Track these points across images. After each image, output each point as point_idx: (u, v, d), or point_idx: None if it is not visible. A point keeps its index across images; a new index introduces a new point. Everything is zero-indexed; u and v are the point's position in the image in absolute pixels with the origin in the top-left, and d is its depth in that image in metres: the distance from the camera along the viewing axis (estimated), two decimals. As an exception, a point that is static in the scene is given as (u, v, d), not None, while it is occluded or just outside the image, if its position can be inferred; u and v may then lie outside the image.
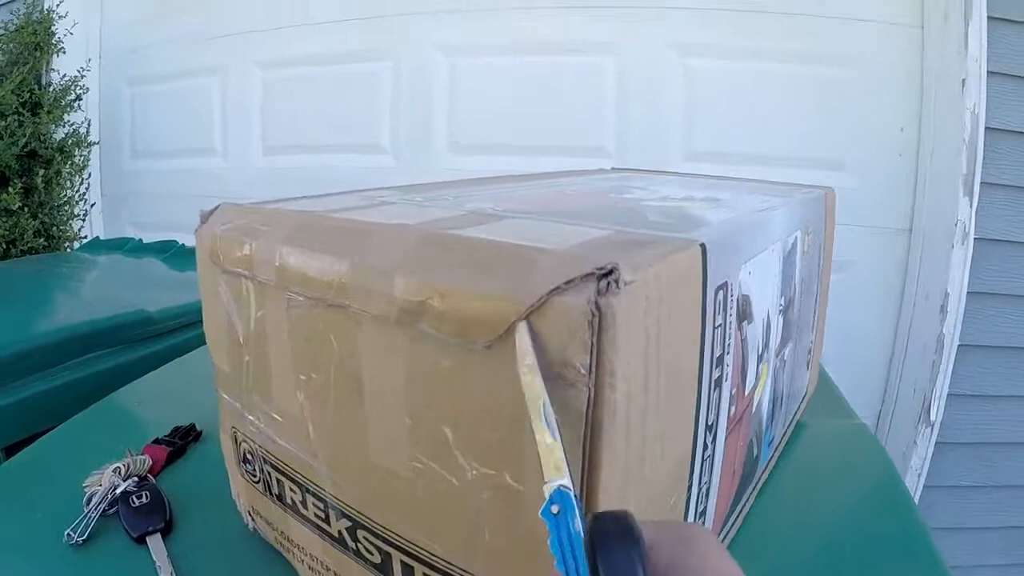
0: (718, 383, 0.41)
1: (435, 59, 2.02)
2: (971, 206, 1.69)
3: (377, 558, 0.41)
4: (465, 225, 0.39)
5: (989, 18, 1.60)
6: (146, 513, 0.56)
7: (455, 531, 0.35)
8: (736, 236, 0.44)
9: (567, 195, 0.61)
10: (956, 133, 1.66)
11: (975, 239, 1.71)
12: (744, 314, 0.45)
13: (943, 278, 1.75)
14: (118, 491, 0.58)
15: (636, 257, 0.31)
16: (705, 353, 0.38)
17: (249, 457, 0.49)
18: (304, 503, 0.45)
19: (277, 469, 0.46)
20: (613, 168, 0.99)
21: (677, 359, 0.35)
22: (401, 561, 0.39)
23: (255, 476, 0.50)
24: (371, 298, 0.35)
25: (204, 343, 1.25)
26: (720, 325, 0.40)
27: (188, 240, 1.76)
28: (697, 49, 1.88)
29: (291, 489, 0.46)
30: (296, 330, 0.41)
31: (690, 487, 0.40)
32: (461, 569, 0.36)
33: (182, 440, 0.69)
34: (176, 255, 1.63)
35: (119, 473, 0.60)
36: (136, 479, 0.60)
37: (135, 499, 0.57)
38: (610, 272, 0.27)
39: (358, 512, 0.41)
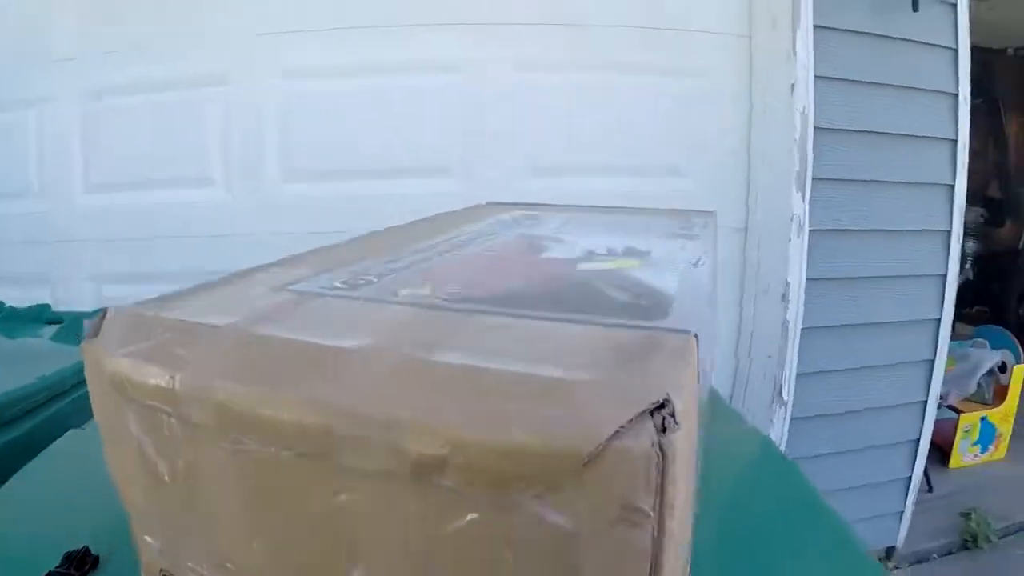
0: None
1: (267, 83, 1.90)
2: (804, 200, 1.81)
3: None
4: (441, 338, 0.35)
5: (815, 26, 1.71)
6: None
7: None
8: (700, 309, 0.42)
9: (496, 265, 0.57)
10: (787, 134, 1.77)
11: (809, 231, 1.85)
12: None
13: (783, 270, 1.87)
14: None
15: (664, 372, 0.30)
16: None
17: None
18: None
19: None
20: (488, 203, 0.95)
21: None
22: None
23: None
24: (369, 451, 0.29)
25: (58, 429, 1.11)
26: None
27: (14, 293, 1.59)
28: (541, 64, 1.89)
29: None
30: (246, 480, 0.34)
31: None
32: None
33: (79, 571, 0.58)
34: (3, 319, 1.40)
35: None
36: None
37: None
38: (663, 405, 0.26)
39: None
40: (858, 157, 1.87)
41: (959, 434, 2.90)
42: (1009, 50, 4.64)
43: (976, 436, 2.95)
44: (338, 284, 0.47)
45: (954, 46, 1.92)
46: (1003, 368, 2.99)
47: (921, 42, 1.87)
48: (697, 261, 0.55)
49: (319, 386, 0.31)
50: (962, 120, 1.96)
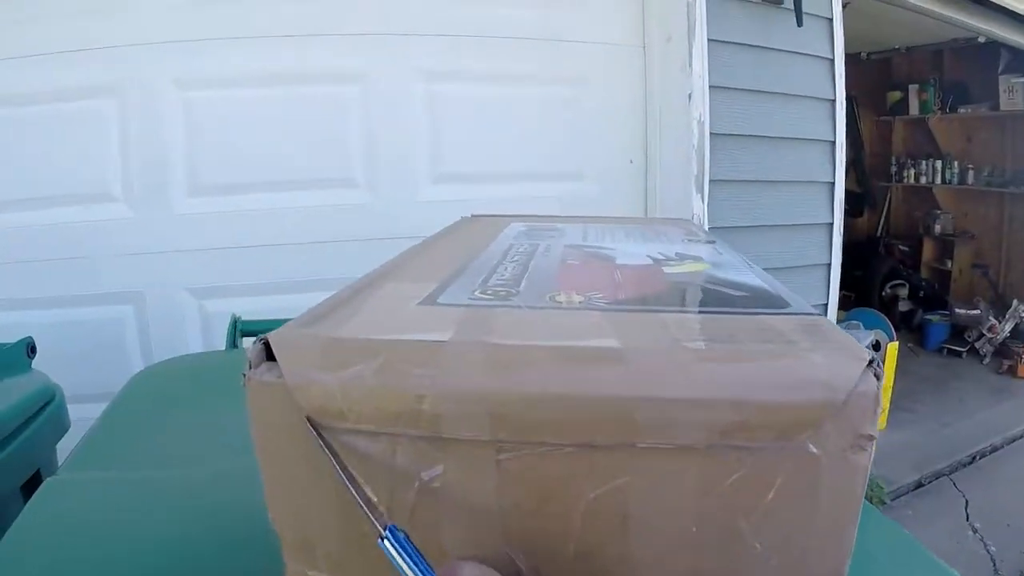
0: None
1: (168, 94, 1.84)
2: (703, 201, 1.93)
3: None
4: (668, 332, 0.40)
5: (709, 40, 1.83)
6: None
7: None
8: (799, 298, 0.49)
9: (599, 274, 0.58)
10: (686, 140, 1.89)
11: (708, 229, 1.96)
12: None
13: (685, 268, 1.98)
14: None
15: (850, 341, 0.37)
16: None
17: None
18: None
19: None
20: (473, 215, 0.97)
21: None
22: None
23: None
24: (675, 429, 0.34)
25: (26, 467, 1.05)
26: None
27: None
28: (441, 75, 1.94)
29: None
30: (513, 483, 0.36)
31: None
32: None
33: None
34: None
35: None
36: None
37: None
38: (872, 361, 0.35)
39: None
40: (750, 159, 2.02)
41: (844, 409, 3.13)
42: (863, 54, 5.01)
43: (859, 410, 3.18)
44: (482, 296, 0.47)
45: (831, 56, 2.11)
46: (877, 347, 3.23)
47: (803, 53, 2.05)
48: (743, 261, 0.61)
49: (613, 381, 0.35)
50: (839, 123, 2.15)
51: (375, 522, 0.33)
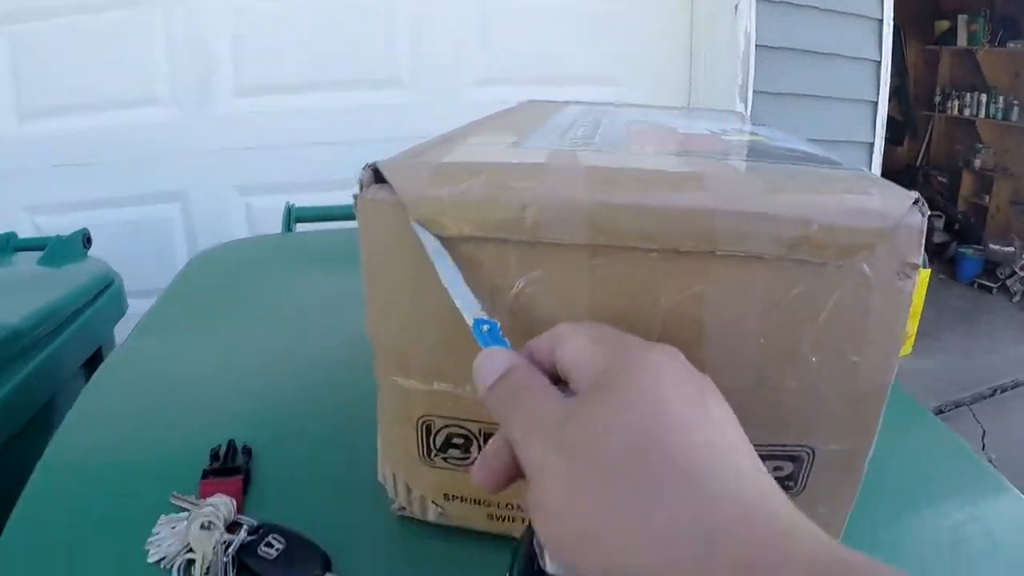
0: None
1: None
2: (746, 111, 1.93)
3: None
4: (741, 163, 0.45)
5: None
6: (297, 559, 0.47)
7: (786, 414, 0.41)
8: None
9: (667, 135, 0.61)
10: (731, 51, 1.87)
11: (749, 140, 1.97)
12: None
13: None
14: (231, 550, 0.46)
15: (891, 184, 0.41)
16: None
17: (458, 441, 0.46)
18: None
19: None
20: (530, 101, 0.99)
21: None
22: None
23: (466, 459, 0.47)
24: (748, 239, 0.37)
25: (88, 346, 1.11)
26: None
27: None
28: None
29: None
30: (604, 287, 0.39)
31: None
32: (779, 446, 0.43)
33: (235, 463, 0.58)
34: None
35: (214, 527, 0.48)
36: (246, 528, 0.49)
37: (266, 550, 0.47)
38: (918, 200, 0.38)
39: None
40: (794, 73, 2.00)
41: (871, 332, 3.15)
42: (912, -21, 4.85)
43: (886, 334, 3.21)
44: (563, 143, 0.50)
45: (880, -23, 2.06)
46: (908, 272, 3.24)
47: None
48: (797, 137, 0.64)
49: (696, 193, 0.38)
50: (885, 42, 2.11)
51: (466, 313, 0.37)
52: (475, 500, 0.49)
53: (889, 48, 2.13)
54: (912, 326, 3.28)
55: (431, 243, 0.39)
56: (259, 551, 0.47)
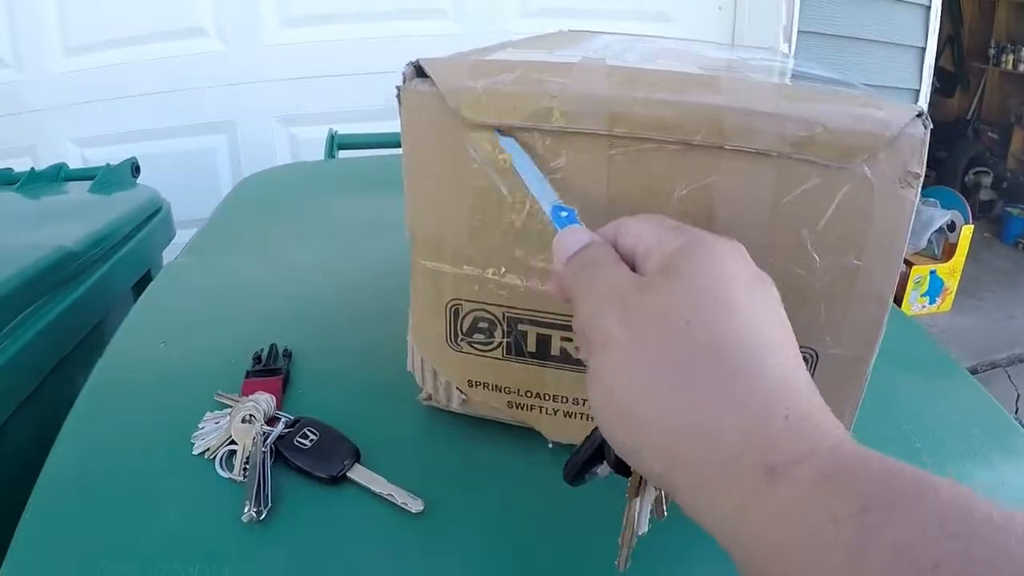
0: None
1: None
2: (790, 51, 1.90)
3: None
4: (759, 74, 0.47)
5: None
6: (330, 449, 0.51)
7: (796, 313, 0.43)
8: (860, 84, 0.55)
9: (692, 57, 0.63)
10: (776, -12, 1.85)
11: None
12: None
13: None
14: (269, 441, 0.51)
15: (900, 102, 0.42)
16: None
17: (483, 325, 0.50)
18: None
19: (543, 324, 0.48)
20: (571, 30, 1.00)
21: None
22: None
23: (490, 344, 0.50)
24: (755, 136, 0.40)
25: (138, 269, 1.15)
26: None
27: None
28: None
29: (564, 339, 0.48)
30: (620, 176, 0.42)
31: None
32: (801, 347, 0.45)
33: (276, 364, 0.62)
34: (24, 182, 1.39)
35: (255, 420, 0.52)
36: (284, 421, 0.53)
37: (301, 441, 0.51)
38: (922, 114, 0.39)
39: None
40: (841, 14, 1.96)
41: (910, 285, 3.12)
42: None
43: (925, 288, 3.17)
44: (594, 56, 0.52)
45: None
46: (952, 227, 3.19)
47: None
48: (826, 68, 0.67)
49: (709, 94, 0.41)
50: (936, -12, 2.06)
51: (543, 201, 0.39)
52: (496, 387, 0.52)
53: (940, -6, 2.08)
54: (952, 283, 3.24)
55: (505, 139, 0.42)
56: (295, 442, 0.51)
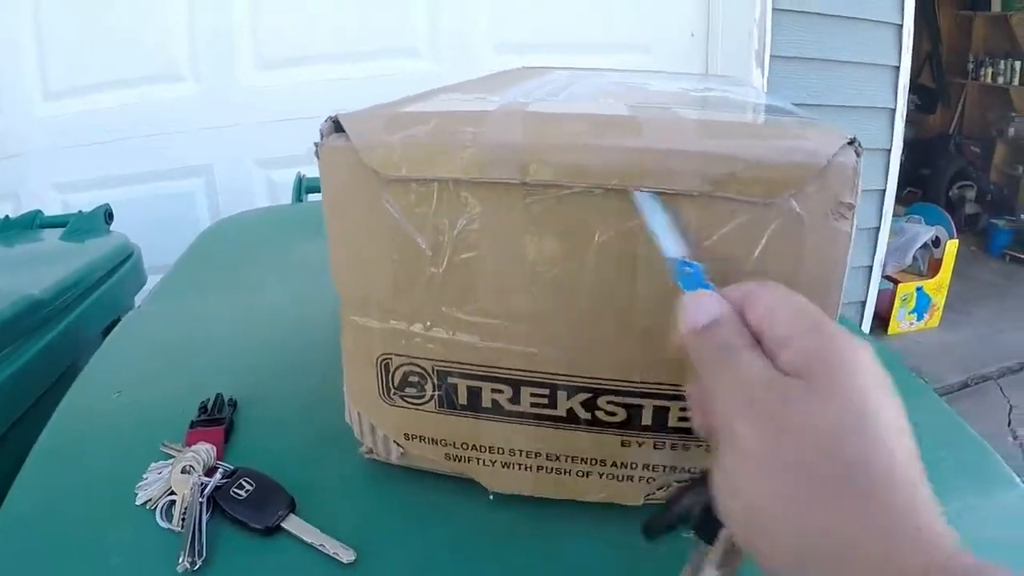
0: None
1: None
2: (763, 77, 1.92)
3: (620, 416, 0.46)
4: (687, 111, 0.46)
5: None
6: (265, 500, 0.50)
7: None
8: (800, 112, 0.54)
9: (632, 93, 0.63)
10: (748, 14, 1.86)
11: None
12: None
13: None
14: (206, 492, 0.51)
15: (838, 129, 0.41)
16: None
17: (413, 379, 0.49)
18: (515, 399, 0.47)
19: (472, 377, 0.47)
20: (525, 67, 1.00)
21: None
22: (654, 407, 0.45)
23: (421, 397, 0.49)
24: (674, 177, 0.39)
25: (108, 315, 1.15)
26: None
27: None
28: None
29: (494, 391, 0.47)
30: (538, 224, 0.41)
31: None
32: None
33: (221, 413, 0.62)
34: (5, 227, 1.41)
35: (194, 471, 0.52)
36: (221, 471, 0.53)
37: (237, 491, 0.51)
38: (853, 141, 0.39)
39: (606, 381, 0.45)
40: (813, 37, 1.98)
41: (897, 302, 3.12)
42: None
43: (912, 305, 3.17)
44: (525, 98, 0.52)
45: (901, -61, 2.02)
46: (936, 243, 3.19)
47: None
48: (783, 99, 0.66)
49: (627, 137, 0.40)
50: (908, 6, 2.07)
51: (669, 254, 0.38)
52: (432, 440, 0.51)
53: (912, 11, 2.09)
54: (939, 299, 3.24)
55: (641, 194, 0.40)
56: (231, 492, 0.51)
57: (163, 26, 1.92)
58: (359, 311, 0.48)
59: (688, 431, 0.46)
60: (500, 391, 0.47)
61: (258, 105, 1.97)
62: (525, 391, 0.46)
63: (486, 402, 0.48)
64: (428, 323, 0.46)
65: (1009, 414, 2.78)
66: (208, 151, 2.03)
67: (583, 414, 0.46)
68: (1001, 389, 2.95)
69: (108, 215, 1.47)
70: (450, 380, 0.48)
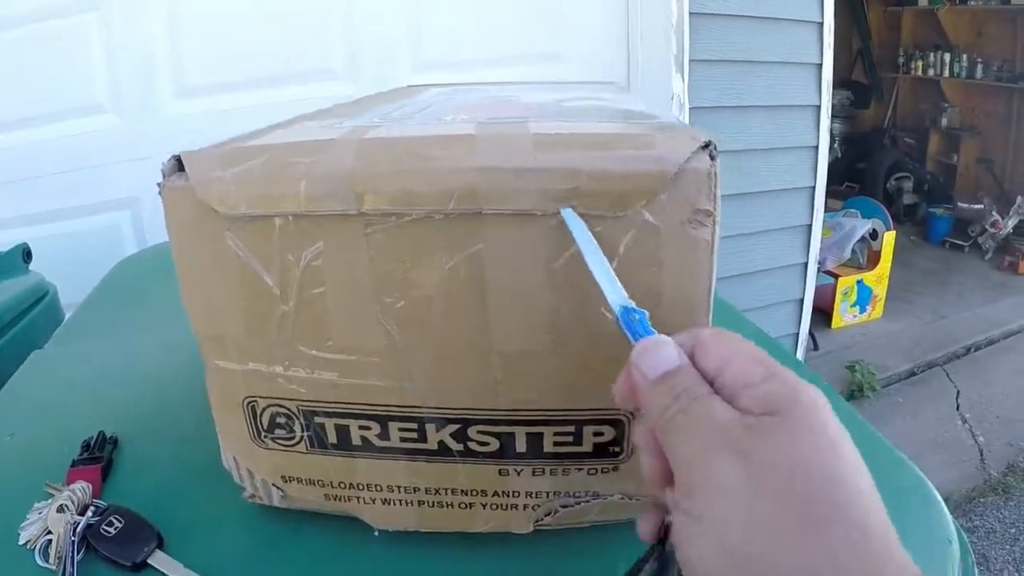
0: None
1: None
2: (684, 80, 1.93)
3: (494, 446, 0.44)
4: (530, 124, 0.45)
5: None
6: (133, 537, 0.51)
7: (599, 377, 0.38)
8: (672, 116, 0.53)
9: (498, 105, 0.63)
10: (665, 20, 1.87)
11: (690, 108, 1.98)
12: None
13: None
14: (79, 530, 0.51)
15: (697, 131, 0.40)
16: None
17: (281, 420, 0.47)
18: (384, 435, 0.45)
19: (338, 415, 0.45)
20: (409, 86, 0.99)
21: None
22: (527, 434, 0.43)
23: (292, 438, 0.47)
24: (515, 196, 0.37)
25: (23, 354, 1.12)
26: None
27: None
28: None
29: (362, 428, 0.45)
30: (381, 254, 0.39)
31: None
32: (598, 411, 0.43)
33: (100, 452, 0.62)
34: None
35: (68, 510, 0.53)
36: (92, 509, 0.53)
37: (107, 529, 0.51)
38: (708, 144, 0.38)
39: (473, 410, 0.43)
40: (733, 39, 2.00)
41: (838, 297, 3.17)
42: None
43: (854, 298, 3.22)
44: (378, 120, 0.50)
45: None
46: (874, 235, 3.25)
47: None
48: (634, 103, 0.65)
49: (461, 157, 0.38)
50: (827, 4, 2.10)
51: (612, 301, 0.36)
52: (310, 480, 0.49)
53: (832, 9, 2.12)
54: (881, 290, 3.29)
55: (577, 226, 0.38)
56: (101, 530, 0.51)
57: (81, 59, 1.86)
58: (220, 354, 0.46)
59: (566, 456, 0.45)
60: (368, 427, 0.45)
61: (181, 134, 1.91)
62: (393, 426, 0.45)
63: (356, 440, 0.46)
64: (287, 363, 0.44)
65: (957, 398, 2.84)
66: (133, 184, 1.97)
67: (455, 445, 0.45)
68: (947, 374, 3.01)
69: (27, 254, 1.42)
70: (316, 419, 0.46)
